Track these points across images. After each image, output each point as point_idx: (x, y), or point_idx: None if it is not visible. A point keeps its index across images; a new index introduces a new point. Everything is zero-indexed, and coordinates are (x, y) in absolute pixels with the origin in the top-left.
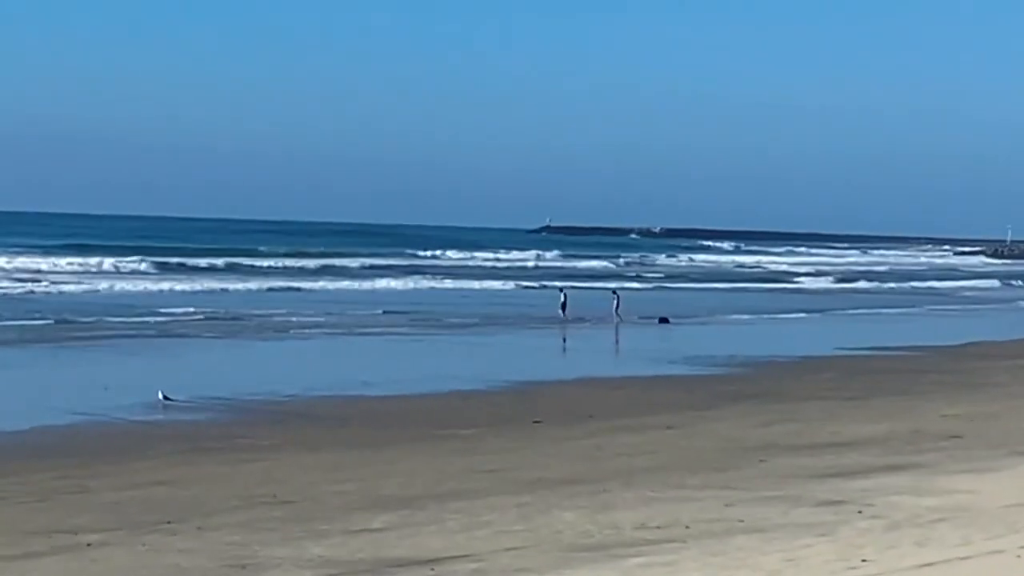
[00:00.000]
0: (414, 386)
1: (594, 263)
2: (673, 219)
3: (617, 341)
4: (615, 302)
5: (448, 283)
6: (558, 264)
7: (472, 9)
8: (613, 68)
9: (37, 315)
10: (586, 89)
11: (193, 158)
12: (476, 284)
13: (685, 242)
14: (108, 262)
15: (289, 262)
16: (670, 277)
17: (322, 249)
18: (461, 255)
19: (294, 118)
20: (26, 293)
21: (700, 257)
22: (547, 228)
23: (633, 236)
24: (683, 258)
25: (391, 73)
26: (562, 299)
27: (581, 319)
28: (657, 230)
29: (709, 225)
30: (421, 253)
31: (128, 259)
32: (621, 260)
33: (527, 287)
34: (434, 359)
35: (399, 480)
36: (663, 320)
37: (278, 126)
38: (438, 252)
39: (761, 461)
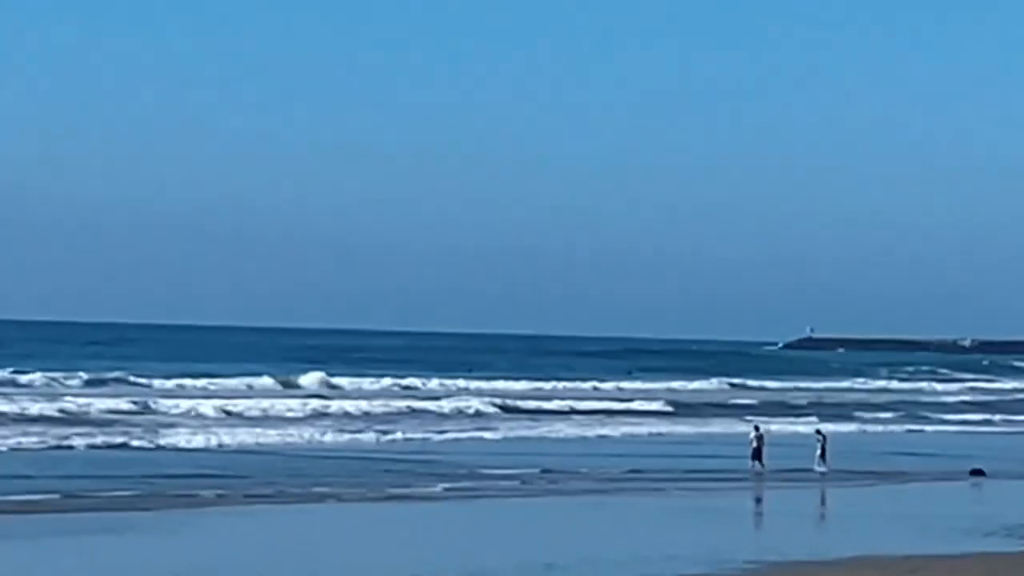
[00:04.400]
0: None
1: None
2: (988, 327)
3: (823, 502)
4: (819, 446)
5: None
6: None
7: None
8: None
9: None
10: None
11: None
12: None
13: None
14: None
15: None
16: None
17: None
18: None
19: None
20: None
21: None
22: (809, 340)
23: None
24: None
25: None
26: (753, 440)
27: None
28: (967, 343)
29: None
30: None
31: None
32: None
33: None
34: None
35: None
36: (976, 472)
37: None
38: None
39: None
